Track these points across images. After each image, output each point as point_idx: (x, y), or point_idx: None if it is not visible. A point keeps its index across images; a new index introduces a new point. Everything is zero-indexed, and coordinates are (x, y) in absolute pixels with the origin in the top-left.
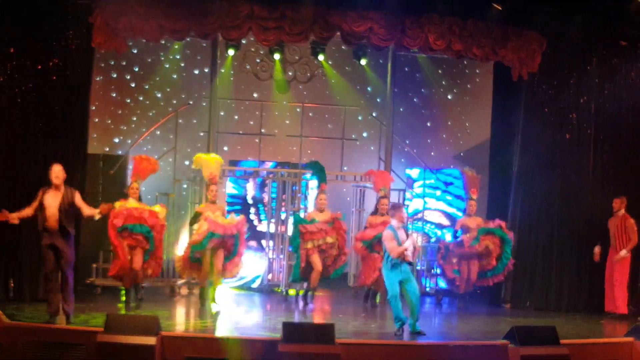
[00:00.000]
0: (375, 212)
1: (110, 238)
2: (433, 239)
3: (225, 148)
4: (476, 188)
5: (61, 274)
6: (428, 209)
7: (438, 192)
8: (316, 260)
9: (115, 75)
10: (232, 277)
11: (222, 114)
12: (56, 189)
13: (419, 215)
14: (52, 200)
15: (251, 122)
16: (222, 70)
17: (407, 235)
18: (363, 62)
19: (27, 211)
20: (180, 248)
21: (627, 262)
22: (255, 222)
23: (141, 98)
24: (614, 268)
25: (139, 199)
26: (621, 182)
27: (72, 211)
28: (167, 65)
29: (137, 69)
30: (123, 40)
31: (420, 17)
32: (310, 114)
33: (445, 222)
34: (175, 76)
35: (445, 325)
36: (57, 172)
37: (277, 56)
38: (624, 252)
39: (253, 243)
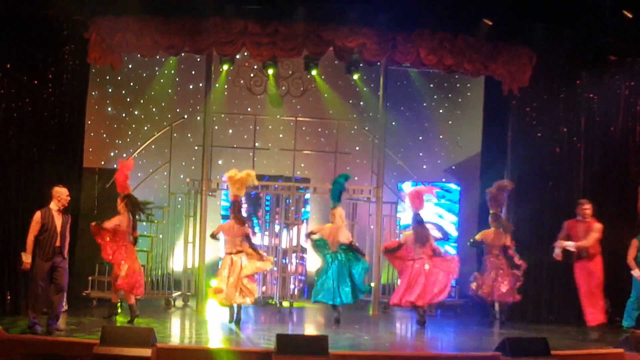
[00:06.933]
0: None
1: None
2: None
3: (220, 162)
4: (495, 203)
5: (57, 287)
6: None
7: (430, 204)
8: None
9: (110, 90)
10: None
11: (216, 128)
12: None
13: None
14: (57, 221)
15: (245, 136)
16: (217, 85)
17: None
18: (355, 76)
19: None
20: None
21: (599, 269)
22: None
23: (136, 112)
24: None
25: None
26: (611, 195)
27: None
28: (162, 80)
29: (132, 84)
30: (118, 56)
31: (412, 32)
32: (303, 128)
33: (437, 234)
34: (170, 91)
35: (438, 336)
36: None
37: (270, 71)
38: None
39: None
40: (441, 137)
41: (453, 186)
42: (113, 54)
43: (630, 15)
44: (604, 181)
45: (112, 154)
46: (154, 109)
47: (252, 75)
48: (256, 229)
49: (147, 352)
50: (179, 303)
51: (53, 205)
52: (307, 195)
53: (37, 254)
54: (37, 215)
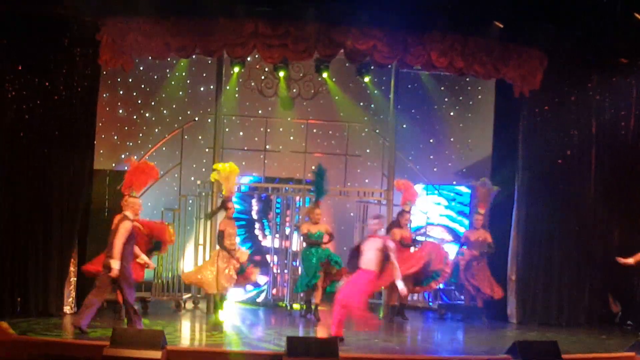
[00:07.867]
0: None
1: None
2: None
3: None
4: (485, 203)
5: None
6: (431, 224)
7: (441, 207)
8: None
9: (121, 92)
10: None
11: (227, 130)
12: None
13: (422, 231)
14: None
15: (256, 139)
16: (228, 87)
17: None
18: (366, 79)
19: None
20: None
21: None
22: (260, 237)
23: (147, 114)
24: None
25: None
26: (622, 198)
27: None
28: (173, 83)
29: (143, 86)
30: (129, 58)
31: (422, 35)
32: (314, 130)
33: (448, 237)
34: (181, 93)
35: (448, 339)
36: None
37: (281, 73)
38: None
39: (257, 258)
40: (452, 139)
41: (464, 189)
42: (124, 56)
43: None
44: (615, 184)
45: (122, 156)
46: (165, 111)
47: (263, 77)
48: (267, 232)
49: (157, 354)
50: (189, 305)
51: (128, 214)
52: None
53: (125, 263)
54: (129, 223)
